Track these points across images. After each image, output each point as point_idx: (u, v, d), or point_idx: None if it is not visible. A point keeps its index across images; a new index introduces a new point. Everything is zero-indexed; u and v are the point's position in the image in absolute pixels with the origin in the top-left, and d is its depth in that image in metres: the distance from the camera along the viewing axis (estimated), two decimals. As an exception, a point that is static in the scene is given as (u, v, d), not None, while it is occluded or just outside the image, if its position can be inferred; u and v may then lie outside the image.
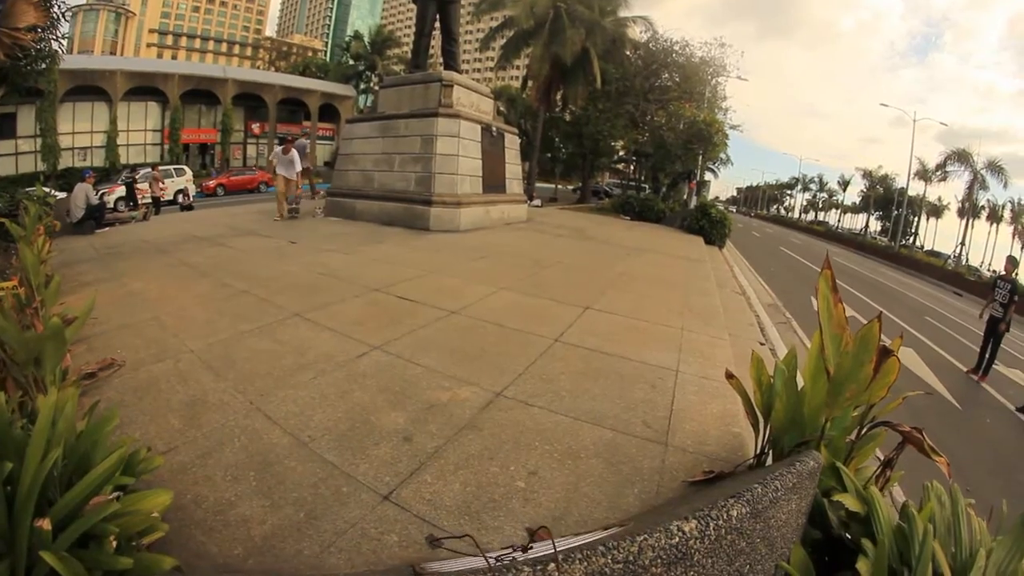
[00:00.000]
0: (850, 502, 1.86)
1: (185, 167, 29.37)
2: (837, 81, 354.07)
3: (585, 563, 1.02)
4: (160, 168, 24.05)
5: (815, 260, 25.55)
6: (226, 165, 39.76)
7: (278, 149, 11.53)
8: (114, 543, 1.31)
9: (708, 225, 17.72)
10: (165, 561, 1.44)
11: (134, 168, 21.88)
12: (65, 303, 3.86)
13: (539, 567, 1.01)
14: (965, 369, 10.37)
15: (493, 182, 11.76)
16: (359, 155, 11.46)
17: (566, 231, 12.55)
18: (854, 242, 56.26)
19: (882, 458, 2.30)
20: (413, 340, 3.97)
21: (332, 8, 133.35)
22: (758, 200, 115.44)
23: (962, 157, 52.54)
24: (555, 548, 1.07)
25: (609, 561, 1.03)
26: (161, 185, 20.35)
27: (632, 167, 30.48)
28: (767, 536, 1.45)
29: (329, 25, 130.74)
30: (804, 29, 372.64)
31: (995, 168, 52.13)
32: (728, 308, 7.09)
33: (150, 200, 18.01)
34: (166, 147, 37.95)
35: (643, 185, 29.77)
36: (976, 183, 53.31)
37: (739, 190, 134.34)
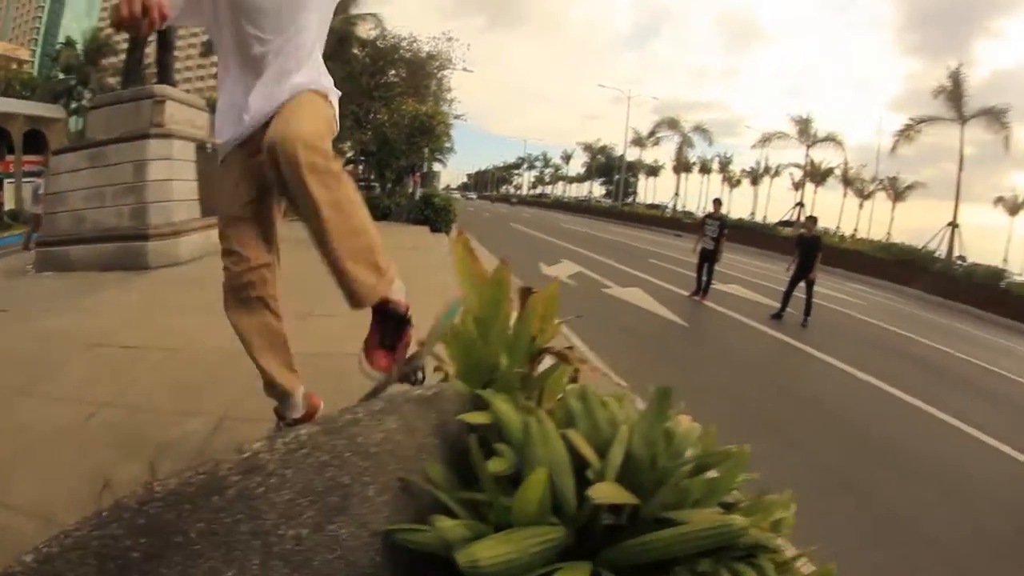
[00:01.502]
0: (474, 417, 2.04)
1: None
2: (563, 67, 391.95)
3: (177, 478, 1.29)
4: None
5: (547, 230, 28.84)
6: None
7: None
8: None
9: (432, 214, 18.76)
10: None
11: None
12: None
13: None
14: (687, 294, 12.72)
15: (212, 204, 11.21)
16: (68, 192, 9.87)
17: (288, 243, 12.44)
18: (581, 208, 63.75)
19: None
20: (141, 387, 4.08)
21: (44, 7, 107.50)
22: (488, 183, 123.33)
23: (672, 124, 64.24)
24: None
25: (190, 477, 1.29)
26: None
27: (360, 168, 30.10)
28: (359, 451, 1.56)
29: (39, 29, 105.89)
30: (533, 20, 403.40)
31: (701, 131, 64.80)
32: (453, 288, 8.03)
33: None
34: None
35: (373, 184, 29.67)
36: (684, 144, 65.25)
37: (469, 176, 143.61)
